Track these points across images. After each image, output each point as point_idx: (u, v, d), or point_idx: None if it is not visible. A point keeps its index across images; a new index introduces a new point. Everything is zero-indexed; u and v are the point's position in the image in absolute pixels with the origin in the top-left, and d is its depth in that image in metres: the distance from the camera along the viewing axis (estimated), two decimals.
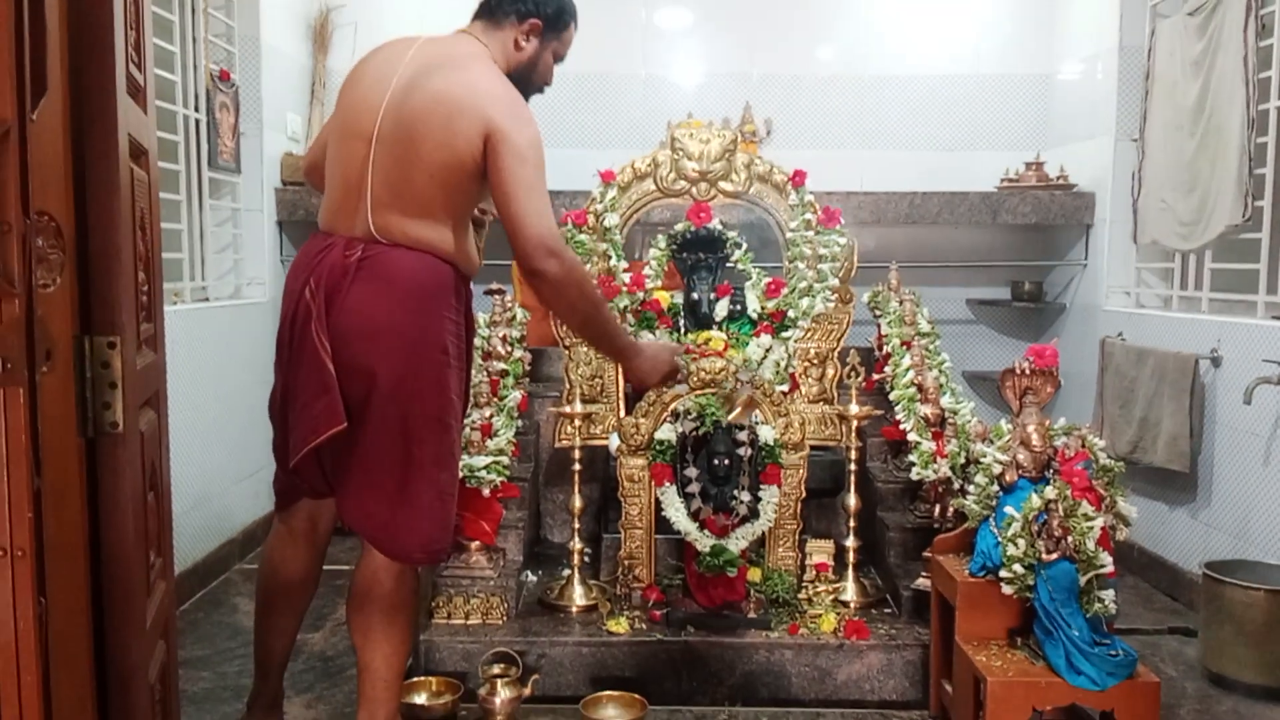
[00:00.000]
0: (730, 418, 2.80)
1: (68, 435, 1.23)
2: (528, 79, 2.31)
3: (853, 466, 3.04)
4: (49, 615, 1.16)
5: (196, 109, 3.77)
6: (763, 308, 3.21)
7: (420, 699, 2.61)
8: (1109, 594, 2.27)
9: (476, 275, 2.28)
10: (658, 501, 2.92)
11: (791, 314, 3.17)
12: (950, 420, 3.13)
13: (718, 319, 3.22)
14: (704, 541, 2.84)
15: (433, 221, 2.10)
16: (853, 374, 3.08)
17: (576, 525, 3.01)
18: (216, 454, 3.64)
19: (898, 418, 3.23)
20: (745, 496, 2.88)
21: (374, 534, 2.12)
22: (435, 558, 2.23)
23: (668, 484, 2.89)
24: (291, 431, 2.12)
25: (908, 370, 3.30)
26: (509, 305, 3.53)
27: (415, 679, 2.65)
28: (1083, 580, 2.23)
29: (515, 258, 2.11)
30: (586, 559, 3.10)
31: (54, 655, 1.18)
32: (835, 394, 3.22)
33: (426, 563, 2.19)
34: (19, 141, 1.08)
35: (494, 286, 3.59)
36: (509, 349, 3.33)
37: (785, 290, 3.20)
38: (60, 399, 1.20)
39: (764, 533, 2.93)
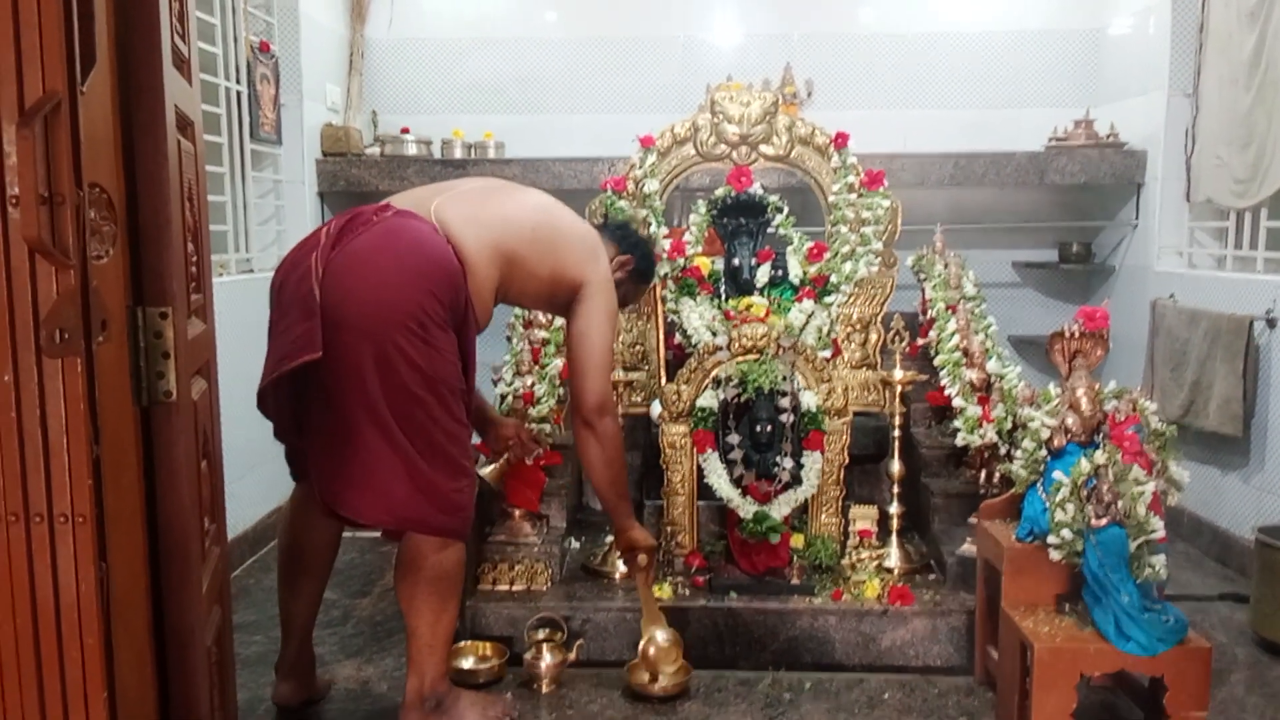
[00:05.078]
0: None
1: (124, 404, 1.25)
2: None
3: (896, 432, 3.02)
4: (109, 579, 1.19)
5: (238, 81, 3.79)
6: (805, 273, 3.18)
7: (467, 663, 2.65)
8: (1160, 559, 2.24)
9: (482, 329, 2.30)
10: (700, 468, 2.92)
11: (834, 279, 3.13)
12: (996, 385, 3.09)
13: (759, 285, 3.19)
14: (746, 508, 2.84)
15: (489, 256, 2.24)
16: (896, 339, 3.05)
17: None
18: (265, 422, 3.69)
19: (942, 383, 3.19)
20: (788, 463, 2.87)
21: (325, 490, 2.14)
22: (405, 525, 2.13)
23: (710, 450, 2.88)
24: (269, 356, 2.12)
25: (953, 334, 3.25)
26: None
27: (462, 643, 2.69)
28: (1133, 546, 2.20)
29: (575, 403, 2.42)
30: None
31: (115, 618, 1.21)
32: (878, 359, 3.19)
33: (393, 525, 2.13)
34: (70, 113, 1.09)
35: None
36: (550, 317, 3.33)
37: (828, 255, 3.16)
38: (116, 368, 1.22)
39: (807, 499, 2.92)
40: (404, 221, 2.16)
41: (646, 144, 3.18)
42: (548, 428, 2.98)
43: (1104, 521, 2.20)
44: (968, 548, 2.84)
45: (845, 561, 2.97)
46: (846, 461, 2.98)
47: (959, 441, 3.03)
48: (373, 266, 2.07)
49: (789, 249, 3.24)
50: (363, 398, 2.04)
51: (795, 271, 3.19)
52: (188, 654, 1.42)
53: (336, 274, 2.05)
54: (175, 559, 1.40)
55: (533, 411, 2.98)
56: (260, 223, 4.05)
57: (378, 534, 2.38)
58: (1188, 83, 3.96)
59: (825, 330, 3.11)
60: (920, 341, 3.42)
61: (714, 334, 3.05)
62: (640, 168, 3.17)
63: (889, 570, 2.96)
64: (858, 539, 3.05)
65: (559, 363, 3.22)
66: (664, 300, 3.16)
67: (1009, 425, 2.83)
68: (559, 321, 3.32)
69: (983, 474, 2.95)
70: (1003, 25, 4.75)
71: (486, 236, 2.25)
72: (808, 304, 3.13)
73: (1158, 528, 2.22)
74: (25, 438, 1.11)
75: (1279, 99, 3.35)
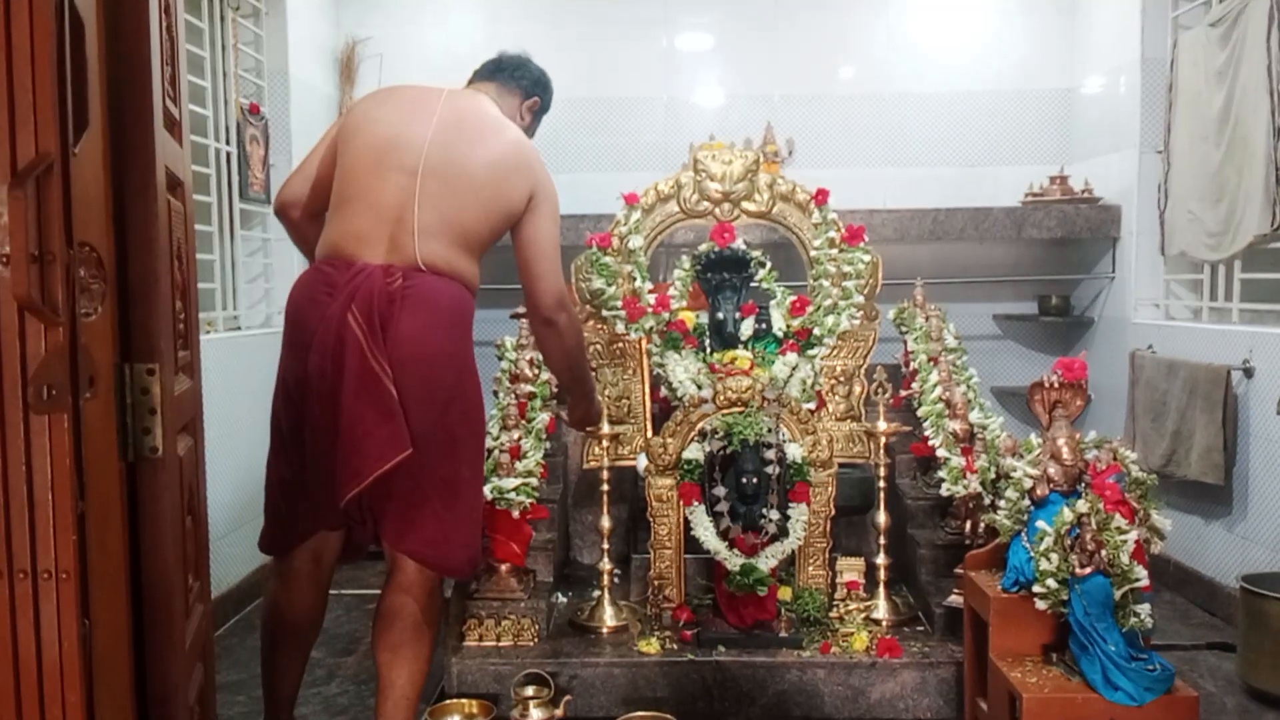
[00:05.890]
0: None
1: (110, 460, 1.26)
2: None
3: (882, 484, 3.03)
4: (92, 636, 1.18)
5: (228, 142, 3.85)
6: (788, 326, 3.21)
7: None
8: (1144, 608, 2.25)
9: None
10: (686, 521, 2.92)
11: (817, 332, 3.17)
12: (979, 435, 3.12)
13: (743, 338, 3.22)
14: (734, 560, 2.83)
15: (472, 256, 2.28)
16: (879, 390, 3.08)
17: (606, 546, 3.01)
18: (251, 479, 3.67)
19: (926, 434, 3.21)
20: (774, 515, 2.87)
21: (423, 552, 2.18)
22: (476, 567, 2.48)
23: (696, 503, 2.89)
24: (343, 463, 2.08)
25: (935, 386, 3.28)
26: None
27: (448, 701, 2.66)
28: (1117, 594, 2.21)
29: (531, 304, 2.37)
30: (616, 580, 3.10)
31: (97, 675, 1.20)
32: (863, 411, 3.21)
33: (469, 574, 2.35)
34: (62, 174, 1.11)
35: (520, 310, 3.62)
36: (536, 371, 3.35)
37: (810, 308, 3.20)
38: (102, 424, 1.23)
39: (794, 551, 2.92)
40: (423, 286, 2.15)
41: (631, 201, 3.23)
42: (535, 481, 2.98)
43: (1088, 570, 2.21)
44: (955, 598, 2.84)
45: (833, 614, 2.96)
46: (832, 513, 2.99)
47: (944, 492, 3.04)
48: (436, 349, 2.15)
49: (772, 303, 3.28)
50: (448, 458, 2.18)
51: (779, 325, 3.22)
52: (169, 712, 1.41)
53: (405, 364, 2.10)
54: (158, 616, 1.39)
55: (519, 466, 2.99)
56: (248, 281, 4.08)
57: (360, 592, 2.39)
58: (1158, 140, 4.05)
59: (809, 382, 3.14)
60: (903, 393, 3.45)
61: (699, 387, 3.07)
62: (625, 224, 3.22)
63: (877, 622, 2.95)
64: (845, 591, 3.04)
65: (545, 417, 3.23)
66: (649, 354, 3.19)
67: (992, 475, 2.85)
68: (545, 375, 3.35)
69: (968, 524, 2.96)
70: (978, 85, 4.87)
71: (465, 250, 2.26)
72: (792, 357, 3.15)
73: (1141, 576, 2.23)
74: (10, 493, 1.12)
75: (1248, 155, 3.43)
